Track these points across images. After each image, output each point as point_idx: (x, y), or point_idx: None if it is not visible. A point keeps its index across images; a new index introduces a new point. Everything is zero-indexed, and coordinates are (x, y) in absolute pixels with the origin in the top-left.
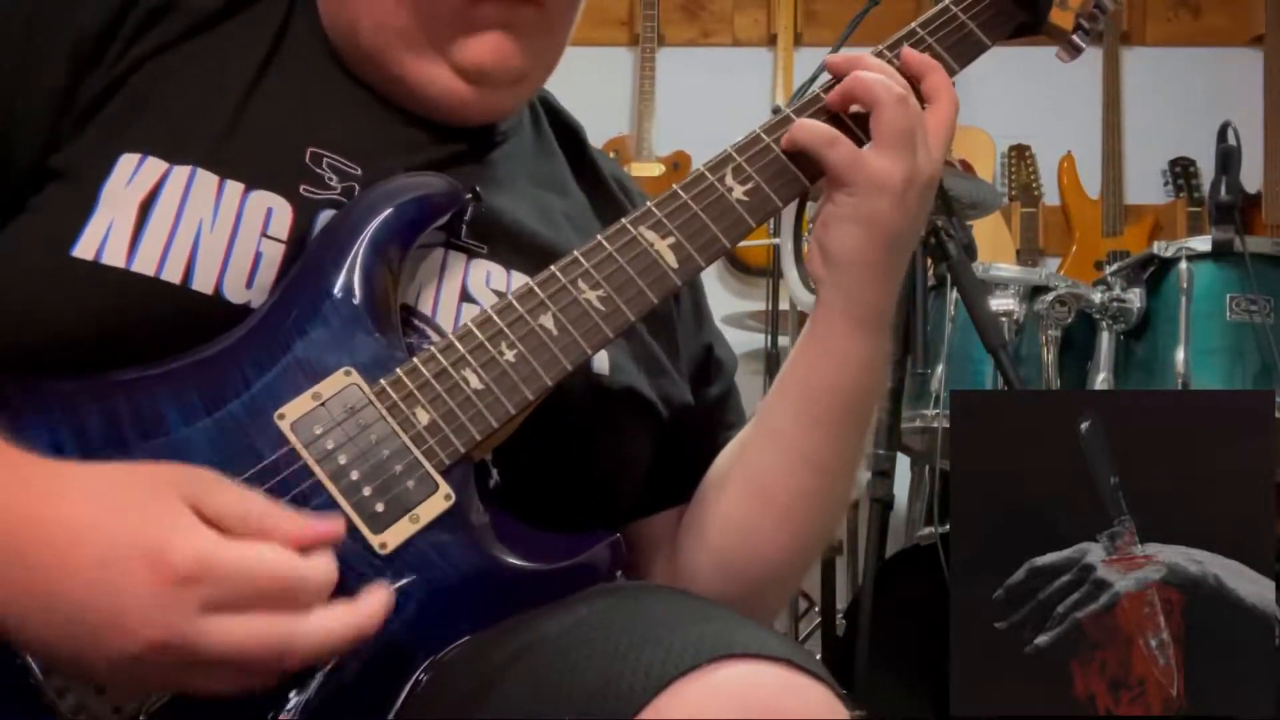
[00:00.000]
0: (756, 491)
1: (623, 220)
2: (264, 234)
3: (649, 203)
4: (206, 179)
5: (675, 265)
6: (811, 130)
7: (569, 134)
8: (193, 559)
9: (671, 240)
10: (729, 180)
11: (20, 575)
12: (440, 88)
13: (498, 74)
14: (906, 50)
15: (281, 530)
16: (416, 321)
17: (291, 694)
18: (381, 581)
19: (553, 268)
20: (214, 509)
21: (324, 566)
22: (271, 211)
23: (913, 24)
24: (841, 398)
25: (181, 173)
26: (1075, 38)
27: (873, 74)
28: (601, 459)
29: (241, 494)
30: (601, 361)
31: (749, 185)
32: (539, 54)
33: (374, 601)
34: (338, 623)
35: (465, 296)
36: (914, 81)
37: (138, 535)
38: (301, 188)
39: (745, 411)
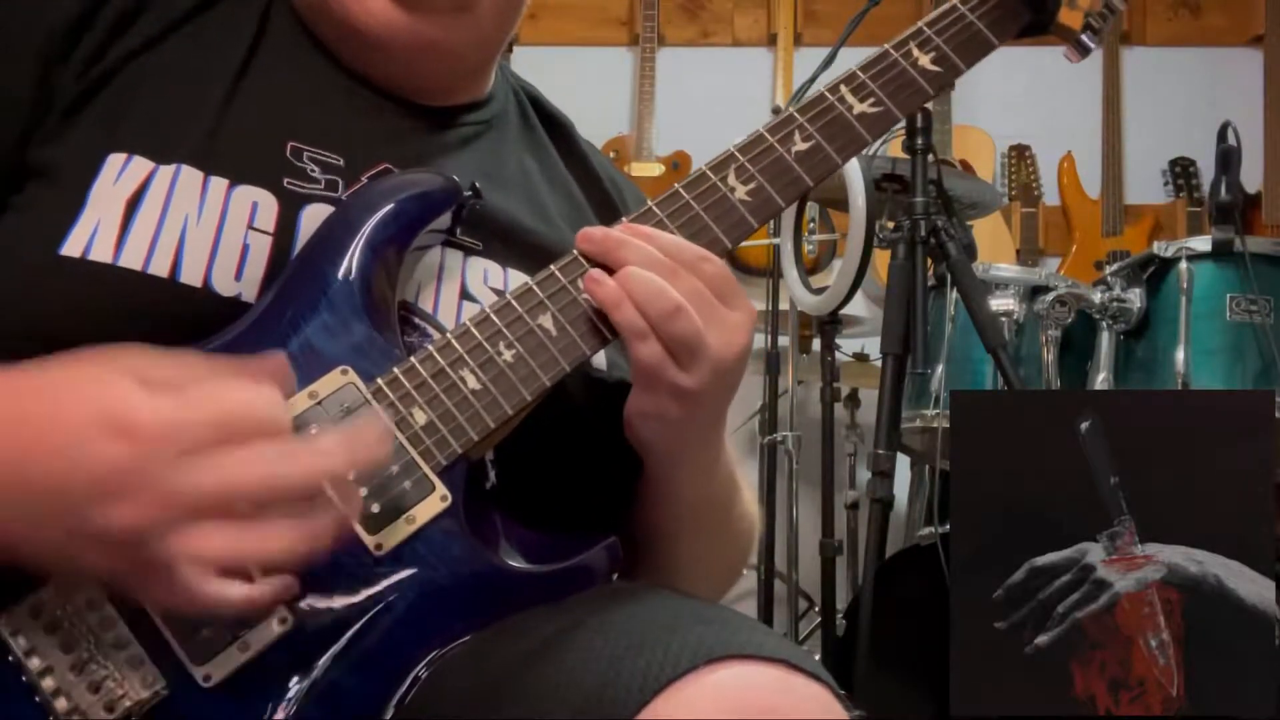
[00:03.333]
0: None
1: (623, 219)
2: (250, 227)
3: (650, 202)
4: (191, 175)
5: None
6: (629, 321)
7: (557, 127)
8: (153, 416)
9: None
10: (731, 180)
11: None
12: (378, 20)
13: None
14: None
15: (227, 375)
16: (416, 319)
17: (290, 689)
18: (369, 583)
19: (552, 267)
20: (157, 377)
21: (278, 400)
22: (257, 205)
23: (919, 23)
24: (706, 506)
25: (167, 171)
26: (1084, 38)
27: (628, 311)
28: (599, 456)
29: (178, 357)
30: (599, 358)
31: (751, 185)
32: None
33: (361, 438)
34: (329, 443)
35: (465, 295)
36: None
37: (96, 411)
38: (285, 181)
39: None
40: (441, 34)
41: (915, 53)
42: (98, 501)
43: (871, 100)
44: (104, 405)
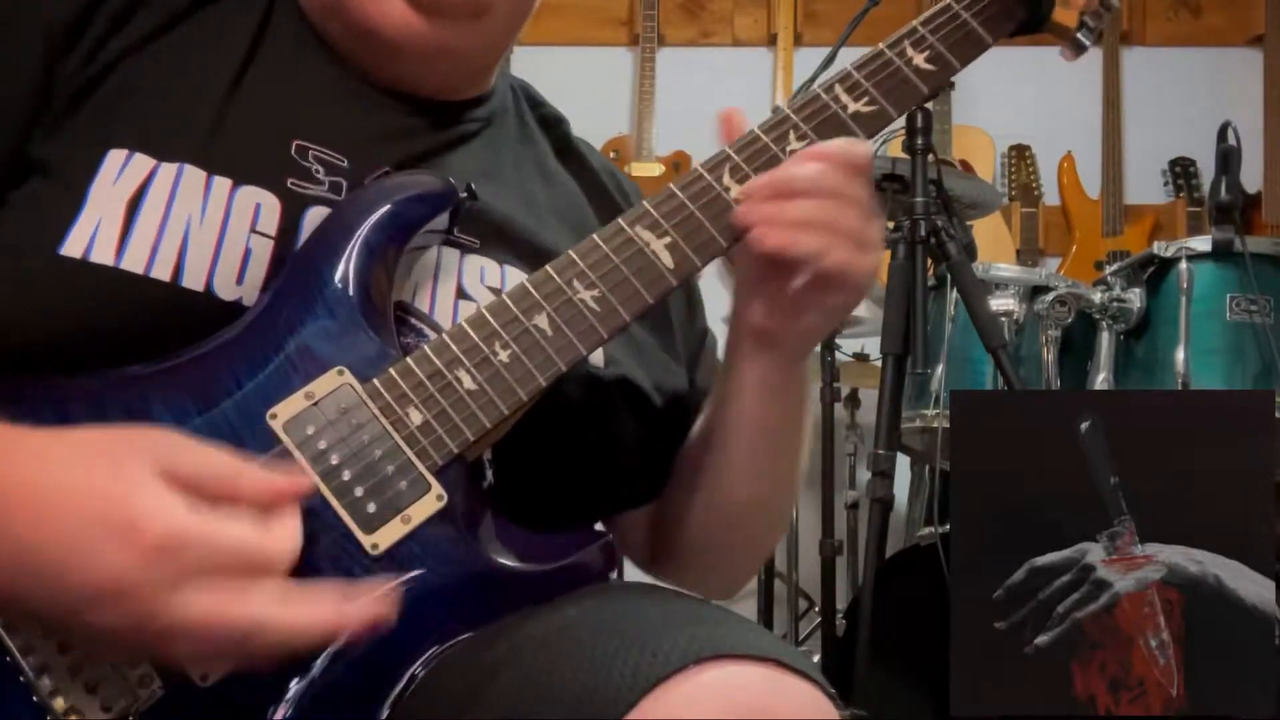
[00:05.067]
0: (710, 505)
1: (619, 220)
2: (253, 230)
3: (645, 202)
4: (194, 175)
5: (671, 266)
6: (805, 248)
7: (552, 124)
8: (162, 531)
9: (668, 240)
10: (726, 179)
11: (7, 545)
12: (395, 22)
13: (451, 1)
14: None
15: (249, 489)
16: (413, 319)
17: (286, 688)
18: (372, 583)
19: (548, 267)
20: (184, 471)
21: (288, 535)
22: (260, 207)
23: (914, 22)
24: (794, 428)
25: (169, 170)
26: (1079, 36)
27: (795, 214)
28: (595, 452)
29: (208, 454)
30: (596, 356)
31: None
32: None
33: (355, 606)
34: (310, 617)
35: (461, 294)
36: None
37: (111, 506)
38: (289, 182)
39: None
40: (456, 39)
41: (910, 51)
42: (88, 604)
43: (866, 99)
44: (120, 506)
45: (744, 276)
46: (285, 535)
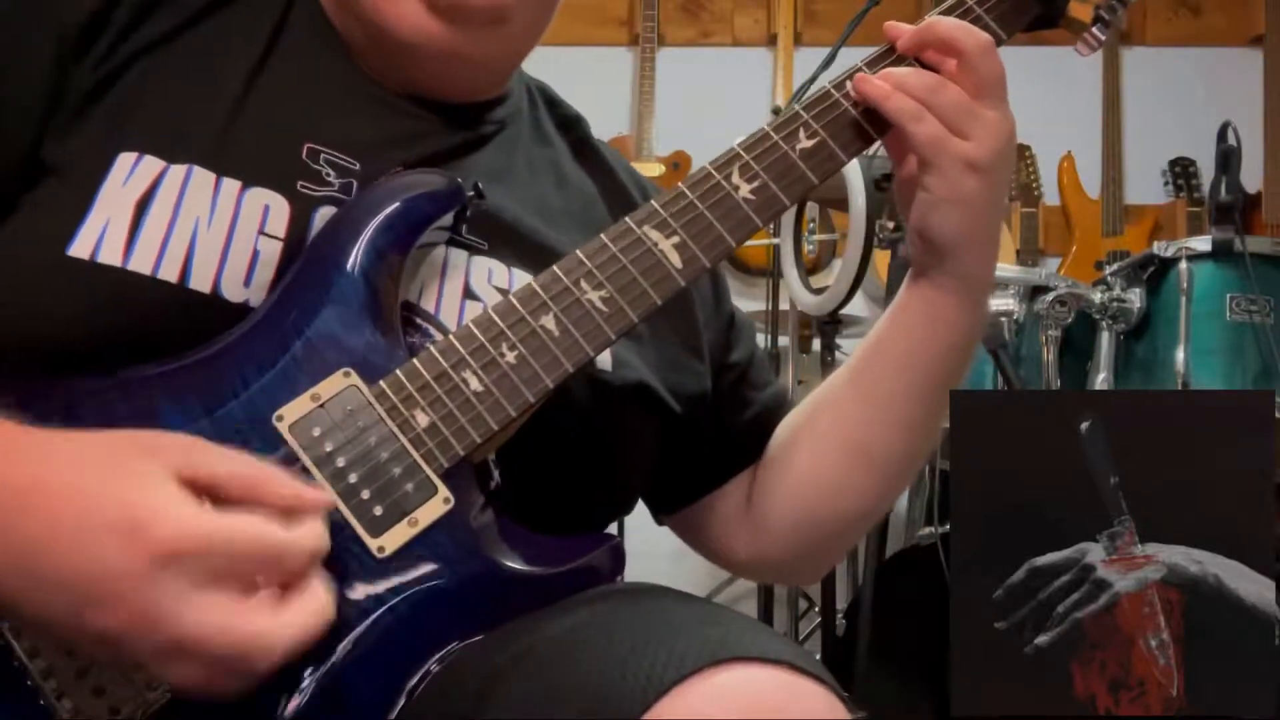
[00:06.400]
0: (855, 451)
1: (626, 219)
2: (261, 232)
3: (654, 201)
4: (203, 177)
5: (680, 265)
6: (899, 105)
7: (569, 124)
8: (171, 535)
9: (676, 240)
10: (735, 179)
11: (11, 546)
12: (411, 25)
13: (470, 7)
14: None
15: (271, 494)
16: (419, 320)
17: (294, 692)
18: (377, 586)
19: (555, 268)
20: (203, 474)
21: (312, 533)
22: (269, 209)
23: (925, 18)
24: (949, 369)
25: (178, 171)
26: (1095, 30)
27: (898, 99)
28: (604, 456)
29: (229, 456)
30: (604, 358)
31: (756, 184)
32: None
33: (315, 595)
34: (306, 615)
35: (468, 294)
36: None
37: (120, 508)
38: (299, 185)
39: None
40: (473, 45)
41: None
42: (90, 604)
43: None
44: (129, 506)
45: (899, 192)
46: (308, 531)
